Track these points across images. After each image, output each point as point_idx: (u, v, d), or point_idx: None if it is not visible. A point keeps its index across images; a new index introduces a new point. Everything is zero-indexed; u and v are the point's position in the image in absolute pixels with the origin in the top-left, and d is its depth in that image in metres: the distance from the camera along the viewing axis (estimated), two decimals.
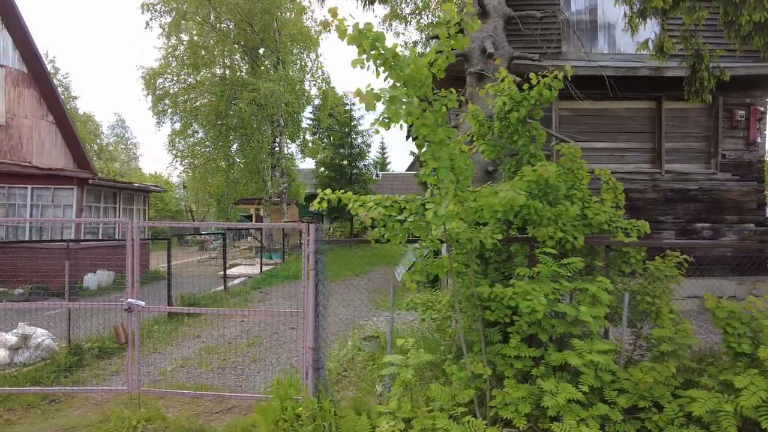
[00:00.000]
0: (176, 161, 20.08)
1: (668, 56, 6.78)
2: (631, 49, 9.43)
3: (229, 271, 16.58)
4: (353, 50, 3.66)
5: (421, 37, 24.04)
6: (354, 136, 25.45)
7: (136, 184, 13.92)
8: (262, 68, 18.13)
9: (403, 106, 3.33)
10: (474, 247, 3.79)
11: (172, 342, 7.46)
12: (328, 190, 4.20)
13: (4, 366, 5.68)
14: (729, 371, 3.62)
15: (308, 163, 40.31)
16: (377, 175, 28.74)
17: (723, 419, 3.24)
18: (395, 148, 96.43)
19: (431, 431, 3.61)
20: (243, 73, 18.66)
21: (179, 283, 10.60)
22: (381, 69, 3.39)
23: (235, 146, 21.65)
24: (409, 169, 44.24)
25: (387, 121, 3.36)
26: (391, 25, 23.87)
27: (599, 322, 3.77)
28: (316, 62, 22.31)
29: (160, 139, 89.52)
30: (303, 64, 22.32)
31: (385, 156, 49.99)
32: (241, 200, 22.70)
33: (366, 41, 3.24)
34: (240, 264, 17.67)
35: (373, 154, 37.21)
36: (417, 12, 22.07)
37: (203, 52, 18.10)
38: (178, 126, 19.91)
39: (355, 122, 25.74)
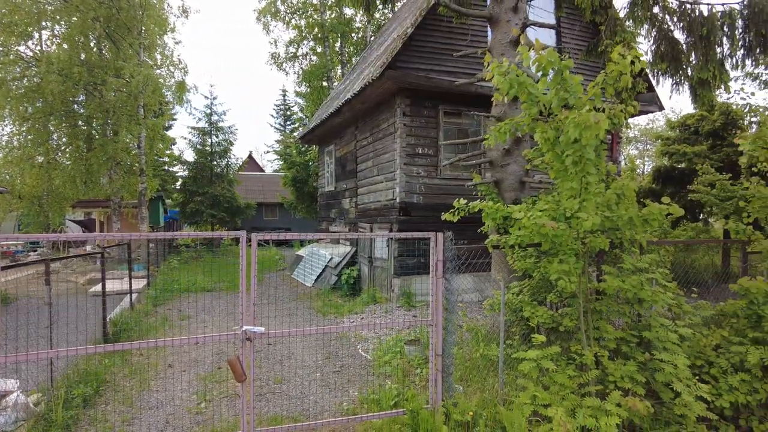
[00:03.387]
0: None
1: None
2: None
3: (98, 287, 13.75)
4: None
5: (294, 36, 23.60)
6: (215, 132, 23.30)
7: None
8: (130, 51, 15.45)
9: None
10: (593, 250, 4.47)
11: (151, 375, 6.23)
12: (462, 201, 4.37)
13: None
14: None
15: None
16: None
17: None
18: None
19: (584, 409, 4.14)
20: (106, 55, 15.51)
21: (39, 308, 7.25)
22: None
23: (64, 137, 17.87)
24: (239, 169, 41.89)
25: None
26: (266, 24, 22.81)
27: (667, 303, 4.85)
28: (173, 50, 19.96)
29: None
30: (158, 50, 19.73)
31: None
32: (80, 202, 18.84)
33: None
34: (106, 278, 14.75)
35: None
36: (297, 11, 21.59)
37: (45, 21, 14.45)
38: None
39: (217, 118, 23.63)
